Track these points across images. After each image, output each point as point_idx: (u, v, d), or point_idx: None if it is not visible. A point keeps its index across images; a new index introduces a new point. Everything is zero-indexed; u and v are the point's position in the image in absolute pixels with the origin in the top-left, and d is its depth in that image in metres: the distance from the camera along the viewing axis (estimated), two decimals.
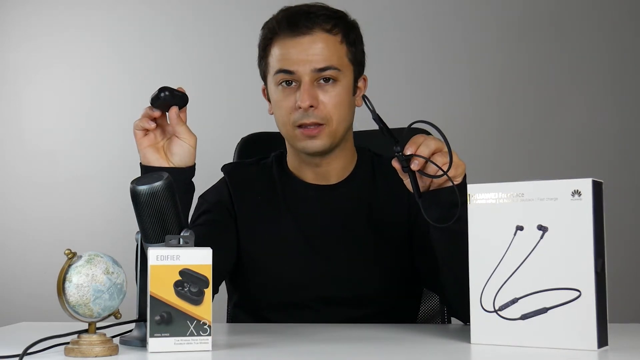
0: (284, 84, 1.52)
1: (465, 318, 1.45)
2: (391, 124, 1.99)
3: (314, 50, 1.50)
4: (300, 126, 1.51)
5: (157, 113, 1.35)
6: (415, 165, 1.25)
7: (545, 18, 3.00)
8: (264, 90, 1.63)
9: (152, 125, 1.35)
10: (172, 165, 1.35)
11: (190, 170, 1.38)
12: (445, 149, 1.25)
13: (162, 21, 3.16)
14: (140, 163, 1.37)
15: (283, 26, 1.52)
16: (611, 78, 2.96)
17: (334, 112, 1.51)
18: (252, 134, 1.95)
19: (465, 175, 1.31)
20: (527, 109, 2.99)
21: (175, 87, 1.36)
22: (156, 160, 1.35)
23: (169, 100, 1.34)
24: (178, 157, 1.36)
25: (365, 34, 1.62)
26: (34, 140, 3.18)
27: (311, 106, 1.49)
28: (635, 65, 2.96)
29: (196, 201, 1.64)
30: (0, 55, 3.21)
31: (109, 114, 3.16)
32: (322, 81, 1.51)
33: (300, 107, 1.49)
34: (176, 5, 3.16)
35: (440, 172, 1.24)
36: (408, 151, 1.25)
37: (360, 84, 1.60)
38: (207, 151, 2.78)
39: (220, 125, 3.06)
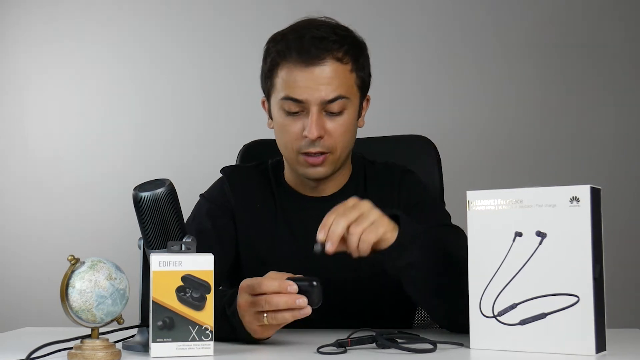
0: (290, 110, 1.49)
1: (450, 325, 1.43)
2: (393, 131, 2.02)
3: (323, 80, 1.44)
4: (304, 153, 1.50)
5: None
6: (330, 248, 1.23)
7: (545, 25, 3.01)
8: (263, 103, 1.60)
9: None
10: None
11: None
12: (365, 213, 1.23)
13: (166, 26, 3.17)
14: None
15: (293, 52, 1.46)
16: (610, 85, 2.97)
17: (339, 141, 1.49)
18: (254, 141, 1.96)
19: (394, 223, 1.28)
20: (526, 116, 2.99)
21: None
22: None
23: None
24: None
25: (370, 42, 1.57)
26: (38, 146, 3.19)
27: (319, 137, 1.47)
28: (633, 72, 2.97)
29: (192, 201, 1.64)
30: (4, 62, 3.23)
31: (113, 120, 3.17)
32: (330, 111, 1.47)
33: (307, 137, 1.47)
34: (180, 10, 3.17)
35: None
36: (320, 235, 1.23)
37: (363, 104, 1.58)
38: (209, 158, 2.81)
39: (222, 132, 3.07)
